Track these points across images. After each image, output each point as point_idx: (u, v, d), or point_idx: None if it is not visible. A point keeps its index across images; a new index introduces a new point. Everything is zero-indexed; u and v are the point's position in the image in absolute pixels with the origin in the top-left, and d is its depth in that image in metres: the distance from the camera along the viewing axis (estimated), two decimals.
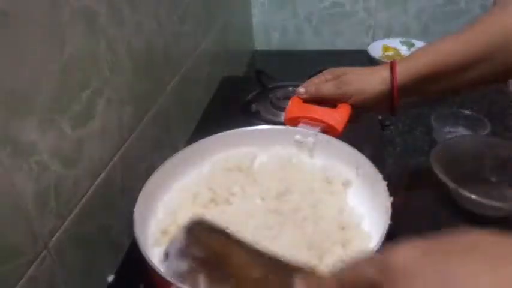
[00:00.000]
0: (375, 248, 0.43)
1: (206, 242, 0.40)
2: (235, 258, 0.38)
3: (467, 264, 0.24)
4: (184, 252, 0.40)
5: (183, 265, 0.39)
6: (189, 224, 0.41)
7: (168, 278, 0.41)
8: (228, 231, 0.40)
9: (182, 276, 0.39)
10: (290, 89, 0.91)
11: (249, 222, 0.52)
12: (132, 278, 0.55)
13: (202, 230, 0.41)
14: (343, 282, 0.29)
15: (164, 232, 0.52)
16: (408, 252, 0.26)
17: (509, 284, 0.22)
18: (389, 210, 0.47)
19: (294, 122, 0.63)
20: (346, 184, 0.56)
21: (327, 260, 0.47)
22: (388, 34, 1.37)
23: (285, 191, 0.56)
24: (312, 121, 0.62)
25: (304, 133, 0.61)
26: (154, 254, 0.49)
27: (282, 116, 0.68)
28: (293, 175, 0.58)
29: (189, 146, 0.60)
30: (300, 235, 0.49)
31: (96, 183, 0.57)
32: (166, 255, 0.41)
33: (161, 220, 0.53)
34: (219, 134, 0.62)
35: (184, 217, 0.55)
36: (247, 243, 0.39)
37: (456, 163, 0.66)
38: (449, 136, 0.79)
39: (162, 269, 0.42)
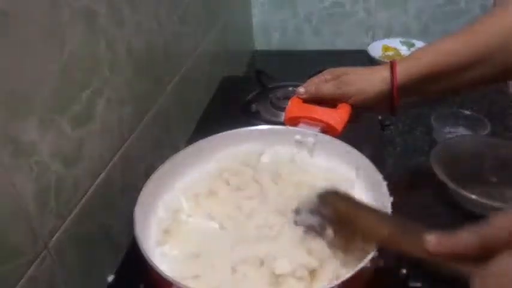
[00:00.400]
0: (375, 249, 0.43)
1: (336, 206, 0.46)
2: (362, 220, 0.44)
3: None
4: (315, 211, 0.47)
5: (313, 220, 0.47)
6: (322, 192, 0.47)
7: (168, 278, 0.41)
8: (357, 200, 0.47)
9: (312, 228, 0.47)
10: (290, 89, 0.91)
11: (250, 222, 0.52)
12: (132, 278, 0.55)
13: (334, 197, 0.47)
14: (485, 239, 0.32)
15: (166, 231, 0.52)
16: None
17: None
18: (390, 210, 0.47)
19: (294, 122, 0.63)
20: (347, 184, 0.56)
21: (327, 262, 0.47)
22: (388, 34, 1.37)
23: (286, 191, 0.56)
24: (312, 121, 0.62)
25: (304, 133, 0.61)
26: (155, 254, 0.49)
27: (282, 116, 0.68)
28: (294, 175, 0.58)
29: (189, 146, 0.60)
30: (300, 236, 0.49)
31: (96, 183, 0.57)
32: (297, 211, 0.49)
33: (162, 219, 0.53)
34: (219, 134, 0.62)
35: (185, 216, 0.55)
36: (375, 209, 0.45)
37: (456, 163, 0.66)
38: (449, 136, 0.79)
39: (295, 220, 0.48)
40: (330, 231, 0.46)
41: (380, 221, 0.43)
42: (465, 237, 0.34)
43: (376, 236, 0.43)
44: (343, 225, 0.46)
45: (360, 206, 0.46)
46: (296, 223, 0.49)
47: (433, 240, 0.36)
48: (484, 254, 0.32)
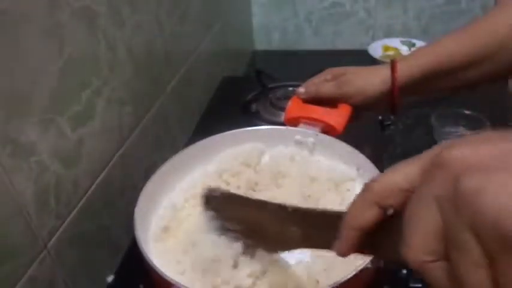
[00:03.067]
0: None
1: (235, 213, 0.43)
2: (269, 222, 0.40)
3: None
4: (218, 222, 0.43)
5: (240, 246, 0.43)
6: (205, 197, 0.44)
7: (168, 278, 0.41)
8: (244, 196, 0.44)
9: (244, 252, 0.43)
10: (290, 89, 0.91)
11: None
12: (132, 278, 0.55)
13: (222, 202, 0.44)
14: (380, 202, 0.27)
15: (165, 231, 0.52)
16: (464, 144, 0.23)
17: None
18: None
19: (294, 122, 0.63)
20: (349, 183, 0.56)
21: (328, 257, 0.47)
22: (388, 34, 1.36)
23: (286, 191, 0.56)
24: (312, 121, 0.62)
25: (305, 133, 0.61)
26: (155, 254, 0.49)
27: (282, 116, 0.68)
28: (294, 175, 0.58)
29: (189, 146, 0.60)
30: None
31: (95, 183, 0.57)
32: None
33: (162, 219, 0.53)
34: (219, 134, 0.62)
35: (185, 216, 0.55)
36: (278, 206, 0.39)
37: None
38: (449, 136, 0.79)
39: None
40: (259, 251, 0.43)
41: (287, 219, 0.37)
42: (355, 212, 0.28)
43: (287, 242, 0.38)
44: (253, 232, 0.42)
45: (261, 204, 0.41)
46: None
47: (337, 247, 0.30)
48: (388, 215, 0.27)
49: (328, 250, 0.31)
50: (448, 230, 0.22)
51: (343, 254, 0.30)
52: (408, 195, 0.26)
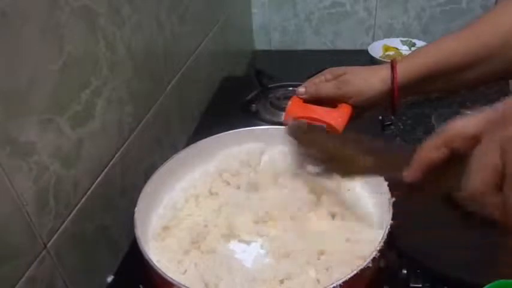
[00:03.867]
0: (377, 248, 0.43)
1: (320, 143, 0.49)
2: (347, 154, 0.46)
3: None
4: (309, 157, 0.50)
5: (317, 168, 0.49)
6: (290, 129, 0.50)
7: (168, 278, 0.41)
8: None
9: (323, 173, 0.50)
10: (290, 89, 0.92)
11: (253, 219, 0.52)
12: (132, 278, 0.55)
13: (305, 133, 0.50)
14: (449, 144, 0.34)
15: (165, 227, 0.52)
16: None
17: None
18: (391, 210, 0.47)
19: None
20: (348, 184, 0.56)
21: (329, 257, 0.47)
22: (388, 34, 1.36)
23: (286, 191, 0.56)
24: (312, 121, 0.62)
25: None
26: (155, 254, 0.49)
27: (282, 116, 0.68)
28: (294, 175, 0.58)
29: (189, 146, 0.60)
30: (302, 235, 0.49)
31: (95, 183, 0.56)
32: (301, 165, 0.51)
33: (162, 217, 0.53)
34: (219, 134, 0.62)
35: (185, 216, 0.55)
36: (355, 138, 0.47)
37: None
38: None
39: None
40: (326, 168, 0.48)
41: (364, 150, 0.45)
42: (429, 148, 0.35)
43: (362, 168, 0.45)
44: (330, 161, 0.48)
45: (341, 138, 0.49)
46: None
47: (407, 171, 0.37)
48: (457, 154, 0.34)
49: (396, 174, 0.38)
50: (506, 167, 0.28)
51: (410, 179, 0.37)
52: (474, 141, 0.31)
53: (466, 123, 0.34)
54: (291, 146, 0.51)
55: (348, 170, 0.47)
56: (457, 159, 0.33)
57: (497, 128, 0.30)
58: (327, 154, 0.48)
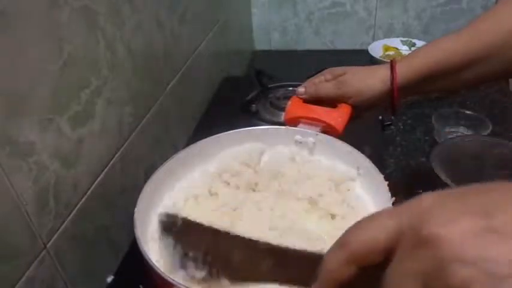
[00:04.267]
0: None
1: (197, 241, 0.41)
2: (241, 256, 0.38)
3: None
4: (189, 259, 0.41)
5: (201, 273, 0.40)
6: (162, 225, 0.42)
7: (168, 278, 0.41)
8: (206, 224, 0.41)
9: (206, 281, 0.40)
10: (290, 89, 0.91)
11: (254, 223, 0.52)
12: (132, 278, 0.55)
13: (183, 229, 0.42)
14: (356, 257, 0.26)
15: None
16: (435, 195, 0.24)
17: None
18: None
19: (294, 122, 0.63)
20: (349, 183, 0.56)
21: None
22: (388, 34, 1.36)
23: (286, 191, 0.56)
24: (312, 121, 0.62)
25: (305, 133, 0.61)
26: (155, 254, 0.49)
27: (282, 116, 0.68)
28: (294, 176, 0.58)
29: (189, 146, 0.60)
30: (302, 235, 0.49)
31: (95, 183, 0.56)
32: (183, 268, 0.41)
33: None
34: (219, 134, 0.62)
35: (185, 216, 0.55)
36: (238, 236, 0.38)
37: (457, 163, 0.66)
38: (450, 136, 0.79)
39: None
40: (224, 280, 0.40)
41: (262, 254, 0.36)
42: (330, 263, 0.27)
43: (257, 272, 0.36)
44: (226, 265, 0.39)
45: (223, 236, 0.40)
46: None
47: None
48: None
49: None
50: None
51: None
52: (387, 253, 0.25)
53: (374, 230, 0.25)
54: (164, 245, 0.41)
55: (240, 275, 0.38)
56: (370, 271, 0.25)
57: (417, 257, 0.23)
58: (212, 256, 0.39)
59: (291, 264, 0.34)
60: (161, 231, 0.42)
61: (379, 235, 0.25)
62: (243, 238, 0.38)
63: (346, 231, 0.27)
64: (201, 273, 0.40)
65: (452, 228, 0.22)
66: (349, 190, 0.56)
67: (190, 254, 0.40)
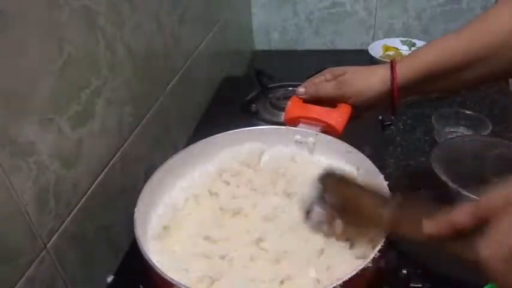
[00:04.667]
0: (377, 249, 0.43)
1: (340, 192, 0.48)
2: (365, 205, 0.45)
3: None
4: (320, 202, 0.48)
5: (321, 212, 0.48)
6: (323, 174, 0.48)
7: (168, 278, 0.41)
8: (358, 183, 0.48)
9: (322, 225, 0.48)
10: (290, 89, 0.92)
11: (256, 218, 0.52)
12: (132, 278, 0.55)
13: (335, 181, 0.48)
14: (476, 211, 0.35)
15: (165, 228, 0.52)
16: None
17: None
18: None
19: (294, 122, 0.63)
20: None
21: (329, 257, 0.47)
22: (388, 34, 1.36)
23: (286, 191, 0.56)
24: (312, 121, 0.62)
25: (305, 133, 0.61)
26: (155, 254, 0.49)
27: (282, 116, 0.68)
28: (294, 176, 0.58)
29: (189, 146, 0.60)
30: (302, 234, 0.49)
31: (95, 183, 0.56)
32: (307, 212, 0.50)
33: (162, 217, 0.53)
34: (219, 134, 0.62)
35: (185, 215, 0.55)
36: (376, 192, 0.46)
37: (456, 163, 0.66)
38: (450, 136, 0.79)
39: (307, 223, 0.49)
40: (339, 223, 0.47)
41: (384, 204, 0.45)
42: (460, 212, 0.36)
43: (381, 221, 0.44)
44: (350, 212, 0.47)
45: (363, 189, 0.47)
46: (310, 228, 0.50)
47: (430, 223, 0.38)
48: (481, 224, 0.35)
49: (415, 236, 0.39)
50: None
51: (431, 235, 0.38)
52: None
53: (497, 193, 0.36)
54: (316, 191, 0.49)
55: (365, 222, 0.47)
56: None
57: None
58: (346, 205, 0.48)
59: (407, 214, 0.42)
60: (319, 181, 0.49)
61: (499, 195, 0.35)
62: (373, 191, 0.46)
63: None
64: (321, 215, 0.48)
65: None
66: None
67: (326, 199, 0.48)
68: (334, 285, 0.40)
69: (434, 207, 0.39)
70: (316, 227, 0.49)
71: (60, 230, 0.50)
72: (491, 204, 0.35)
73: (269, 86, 0.96)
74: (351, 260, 0.46)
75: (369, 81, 0.60)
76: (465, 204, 0.36)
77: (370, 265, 0.42)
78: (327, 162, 0.59)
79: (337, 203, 0.48)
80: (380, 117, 0.84)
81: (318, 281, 0.45)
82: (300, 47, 1.43)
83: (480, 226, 0.35)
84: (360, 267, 0.41)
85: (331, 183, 0.48)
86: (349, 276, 0.40)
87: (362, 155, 0.55)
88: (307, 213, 0.50)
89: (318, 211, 0.49)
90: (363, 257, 0.45)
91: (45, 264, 0.47)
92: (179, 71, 0.83)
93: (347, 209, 0.47)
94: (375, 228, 0.46)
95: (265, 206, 0.54)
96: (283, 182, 0.57)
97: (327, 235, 0.48)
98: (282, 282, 0.45)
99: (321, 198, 0.49)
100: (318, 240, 0.49)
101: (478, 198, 0.37)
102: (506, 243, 0.32)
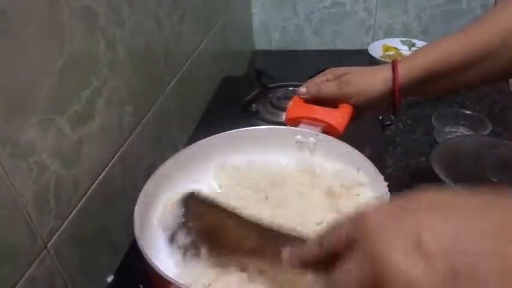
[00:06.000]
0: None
1: (202, 215, 0.45)
2: (231, 230, 0.43)
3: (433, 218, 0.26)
4: (185, 227, 0.46)
5: (186, 240, 0.46)
6: (183, 197, 0.46)
7: (168, 278, 0.41)
8: (220, 203, 0.45)
9: (186, 249, 0.46)
10: (290, 89, 0.91)
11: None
12: (132, 278, 0.55)
13: (197, 203, 0.45)
14: (323, 243, 0.31)
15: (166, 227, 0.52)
16: (379, 211, 0.28)
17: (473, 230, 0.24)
18: None
19: (294, 122, 0.63)
20: (354, 182, 0.56)
21: None
22: (388, 34, 1.36)
23: (286, 191, 0.56)
24: (313, 121, 0.62)
25: (306, 133, 0.61)
26: (155, 254, 0.49)
27: (282, 116, 0.68)
28: (294, 176, 0.58)
29: (189, 146, 0.60)
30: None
31: (96, 183, 0.56)
32: (172, 235, 0.47)
33: (162, 217, 0.53)
34: (219, 134, 0.62)
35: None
36: (241, 215, 0.42)
37: (457, 163, 0.66)
38: (450, 136, 0.79)
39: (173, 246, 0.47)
40: (204, 251, 0.45)
41: (248, 231, 0.41)
42: (309, 245, 0.33)
43: (242, 249, 0.42)
44: (215, 239, 0.44)
45: (228, 213, 0.44)
46: (174, 252, 0.47)
47: (287, 254, 0.35)
48: (330, 260, 0.30)
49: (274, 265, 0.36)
50: None
51: (288, 263, 0.34)
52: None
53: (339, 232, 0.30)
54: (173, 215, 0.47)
55: (228, 250, 0.43)
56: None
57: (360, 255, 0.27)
58: (207, 230, 0.44)
59: (273, 244, 0.38)
60: (180, 202, 0.47)
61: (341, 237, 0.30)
62: (241, 216, 0.42)
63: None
64: (186, 239, 0.46)
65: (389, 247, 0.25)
66: (358, 195, 0.55)
67: (190, 224, 0.45)
68: None
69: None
70: (181, 252, 0.46)
71: (61, 229, 0.50)
72: (334, 239, 0.30)
73: (269, 86, 0.96)
74: None
75: (370, 81, 0.60)
76: (317, 236, 0.32)
77: None
78: (327, 162, 0.59)
79: (201, 229, 0.45)
80: (380, 117, 0.84)
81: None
82: (300, 47, 1.43)
83: (329, 261, 0.30)
84: None
85: (194, 205, 0.46)
86: None
87: (362, 155, 0.55)
88: (171, 240, 0.47)
89: (181, 237, 0.46)
90: None
91: (46, 264, 0.47)
92: (179, 71, 0.83)
93: (212, 236, 0.44)
94: (240, 256, 0.43)
95: (267, 207, 0.54)
96: (283, 183, 0.57)
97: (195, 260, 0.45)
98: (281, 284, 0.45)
99: (185, 222, 0.46)
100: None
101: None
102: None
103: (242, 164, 0.60)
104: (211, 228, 0.44)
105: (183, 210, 0.46)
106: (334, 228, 0.31)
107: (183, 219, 0.46)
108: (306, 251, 0.33)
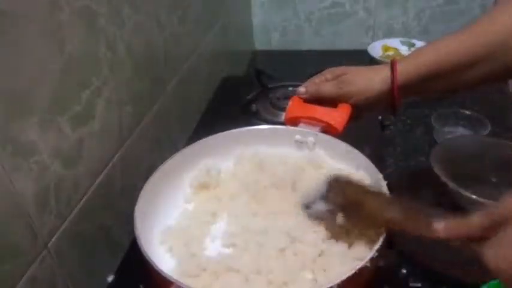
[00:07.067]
0: (376, 249, 0.43)
1: (345, 191, 0.48)
2: (370, 203, 0.46)
3: None
4: (324, 198, 0.49)
5: (323, 207, 0.49)
6: (330, 178, 0.49)
7: (168, 277, 0.41)
8: (364, 185, 0.49)
9: (322, 217, 0.49)
10: (290, 89, 0.91)
11: (255, 218, 0.52)
12: (132, 278, 0.55)
13: (342, 183, 0.49)
14: (483, 221, 0.37)
15: (167, 228, 0.52)
16: None
17: None
18: None
19: (294, 121, 0.63)
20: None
21: (329, 259, 0.47)
22: (388, 34, 1.37)
23: (286, 191, 0.56)
24: (313, 121, 0.62)
25: (305, 133, 0.61)
26: (155, 253, 0.49)
27: (282, 116, 0.68)
28: (294, 176, 0.58)
29: (189, 146, 0.60)
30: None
31: (96, 183, 0.57)
32: (307, 205, 0.50)
33: (162, 216, 0.53)
34: (219, 134, 0.62)
35: (186, 215, 0.55)
36: (382, 193, 0.48)
37: (456, 163, 0.66)
38: (449, 136, 0.79)
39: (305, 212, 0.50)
40: (340, 217, 0.48)
41: (388, 204, 0.46)
42: (474, 222, 0.38)
43: (384, 218, 0.45)
44: (352, 210, 0.47)
45: (368, 191, 0.48)
46: (308, 216, 0.50)
47: (442, 227, 0.40)
48: (492, 233, 0.36)
49: (422, 228, 0.41)
50: None
51: (441, 237, 0.39)
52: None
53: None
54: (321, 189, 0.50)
55: (367, 221, 0.47)
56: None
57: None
58: (350, 201, 0.48)
59: (413, 213, 0.43)
60: (328, 183, 0.49)
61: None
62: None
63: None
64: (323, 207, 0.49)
65: None
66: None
67: (330, 195, 0.49)
68: (332, 285, 0.40)
69: (436, 209, 0.41)
70: (315, 216, 0.49)
71: (61, 229, 0.50)
72: (503, 214, 0.36)
73: (269, 86, 0.96)
74: (350, 261, 0.46)
75: (369, 81, 0.61)
76: (479, 214, 0.38)
77: (368, 265, 0.42)
78: (326, 162, 0.59)
79: (341, 202, 0.48)
80: (380, 117, 0.84)
81: (316, 280, 0.45)
82: (300, 47, 1.43)
83: (490, 234, 0.36)
84: (359, 267, 0.41)
85: (337, 185, 0.49)
86: (348, 275, 0.40)
87: (362, 155, 0.55)
88: (307, 207, 0.50)
89: (318, 206, 0.49)
90: (362, 259, 0.45)
91: (46, 263, 0.47)
92: (179, 71, 0.83)
93: (350, 208, 0.48)
94: (377, 228, 0.46)
95: (264, 207, 0.54)
96: (283, 183, 0.57)
97: (327, 225, 0.49)
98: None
99: (325, 197, 0.49)
100: (317, 241, 0.49)
101: (486, 201, 0.39)
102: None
103: (241, 164, 0.60)
104: (350, 201, 0.47)
105: (325, 187, 0.49)
106: (503, 205, 0.37)
107: (324, 193, 0.49)
108: (471, 228, 0.38)
